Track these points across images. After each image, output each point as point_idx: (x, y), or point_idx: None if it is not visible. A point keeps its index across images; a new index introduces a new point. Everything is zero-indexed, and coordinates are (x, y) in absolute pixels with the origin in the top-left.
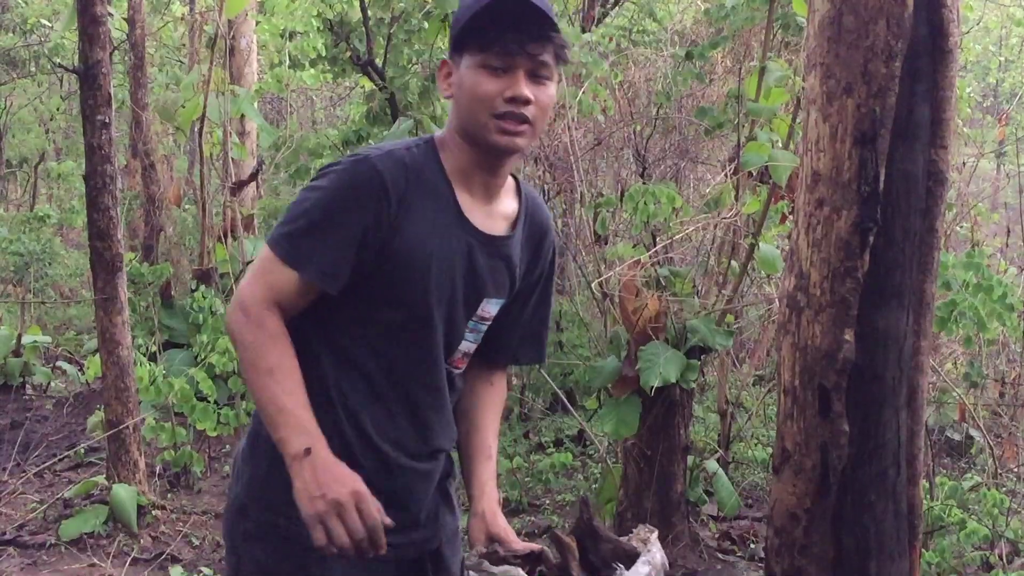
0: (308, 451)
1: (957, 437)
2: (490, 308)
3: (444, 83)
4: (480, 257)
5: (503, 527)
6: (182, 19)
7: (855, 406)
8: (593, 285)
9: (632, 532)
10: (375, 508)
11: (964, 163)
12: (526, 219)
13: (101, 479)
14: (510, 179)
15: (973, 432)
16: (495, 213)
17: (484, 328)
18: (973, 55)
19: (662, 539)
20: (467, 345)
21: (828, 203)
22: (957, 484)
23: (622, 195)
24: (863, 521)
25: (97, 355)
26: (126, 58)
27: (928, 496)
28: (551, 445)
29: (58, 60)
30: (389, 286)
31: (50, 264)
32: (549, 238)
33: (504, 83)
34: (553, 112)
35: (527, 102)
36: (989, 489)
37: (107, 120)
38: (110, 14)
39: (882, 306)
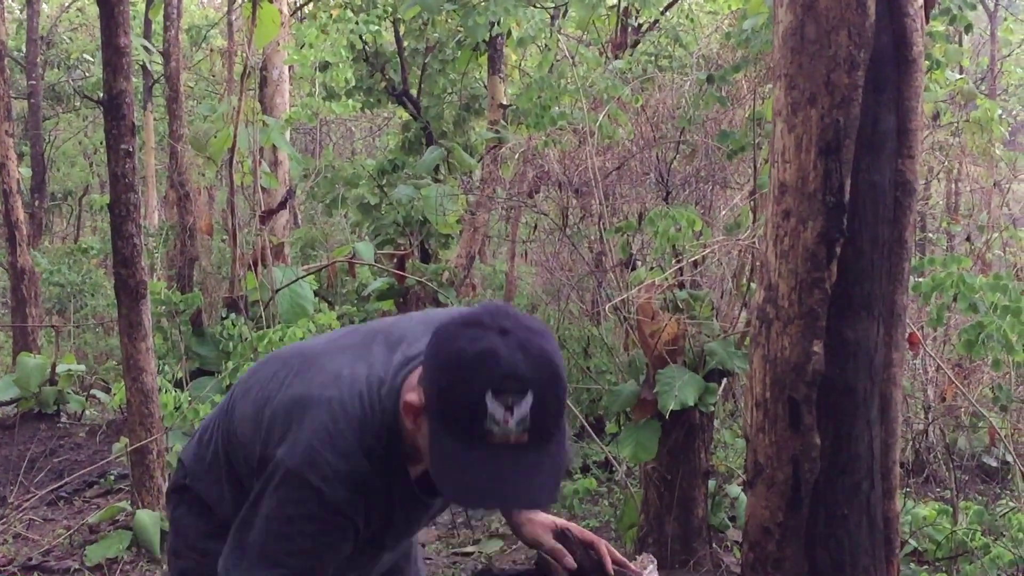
0: None
1: (993, 463)
2: None
3: (411, 420)
4: (436, 501)
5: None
6: (220, 52)
7: (826, 419)
8: (607, 308)
9: (635, 559)
10: None
11: (995, 184)
12: None
13: (126, 505)
14: None
15: (1009, 457)
16: None
17: None
18: (1015, 78)
19: (684, 564)
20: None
21: (794, 214)
22: (983, 509)
23: (640, 219)
24: (837, 535)
25: (123, 382)
26: (165, 91)
27: (952, 521)
28: (578, 471)
29: (88, 94)
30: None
31: (92, 295)
32: None
33: None
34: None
35: None
36: (1017, 513)
37: (130, 149)
38: (148, 49)
39: (851, 317)
